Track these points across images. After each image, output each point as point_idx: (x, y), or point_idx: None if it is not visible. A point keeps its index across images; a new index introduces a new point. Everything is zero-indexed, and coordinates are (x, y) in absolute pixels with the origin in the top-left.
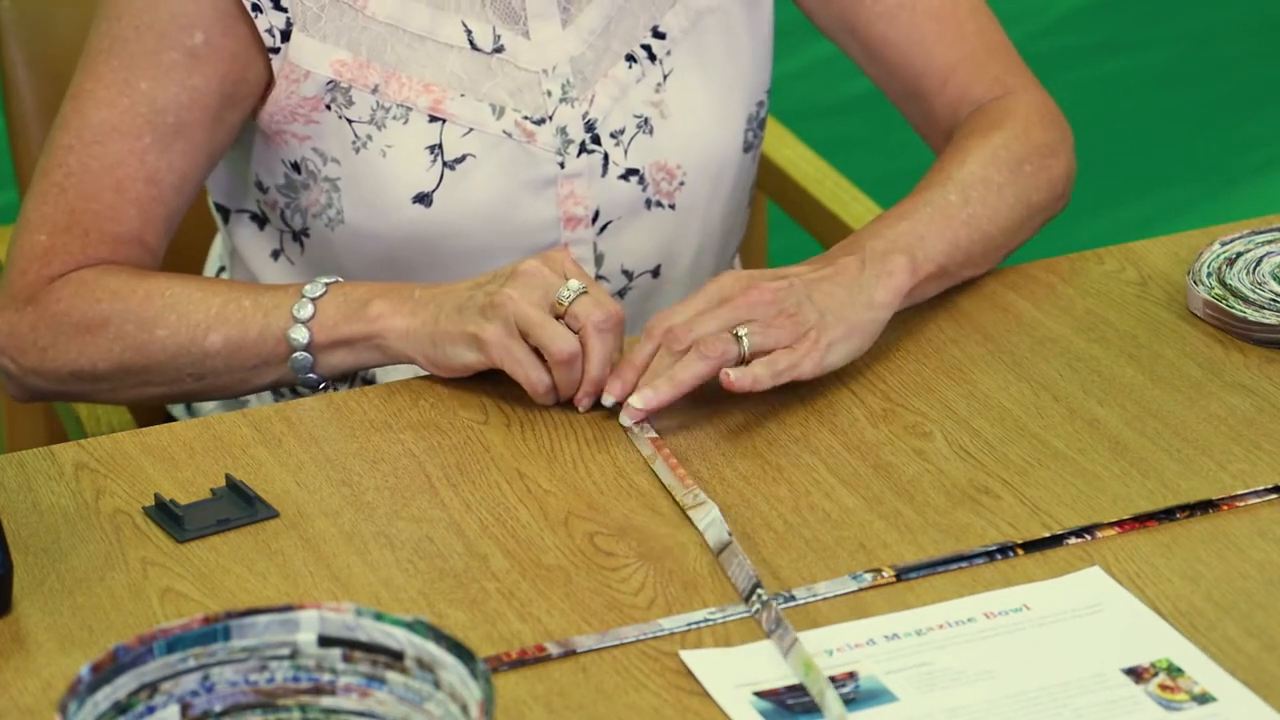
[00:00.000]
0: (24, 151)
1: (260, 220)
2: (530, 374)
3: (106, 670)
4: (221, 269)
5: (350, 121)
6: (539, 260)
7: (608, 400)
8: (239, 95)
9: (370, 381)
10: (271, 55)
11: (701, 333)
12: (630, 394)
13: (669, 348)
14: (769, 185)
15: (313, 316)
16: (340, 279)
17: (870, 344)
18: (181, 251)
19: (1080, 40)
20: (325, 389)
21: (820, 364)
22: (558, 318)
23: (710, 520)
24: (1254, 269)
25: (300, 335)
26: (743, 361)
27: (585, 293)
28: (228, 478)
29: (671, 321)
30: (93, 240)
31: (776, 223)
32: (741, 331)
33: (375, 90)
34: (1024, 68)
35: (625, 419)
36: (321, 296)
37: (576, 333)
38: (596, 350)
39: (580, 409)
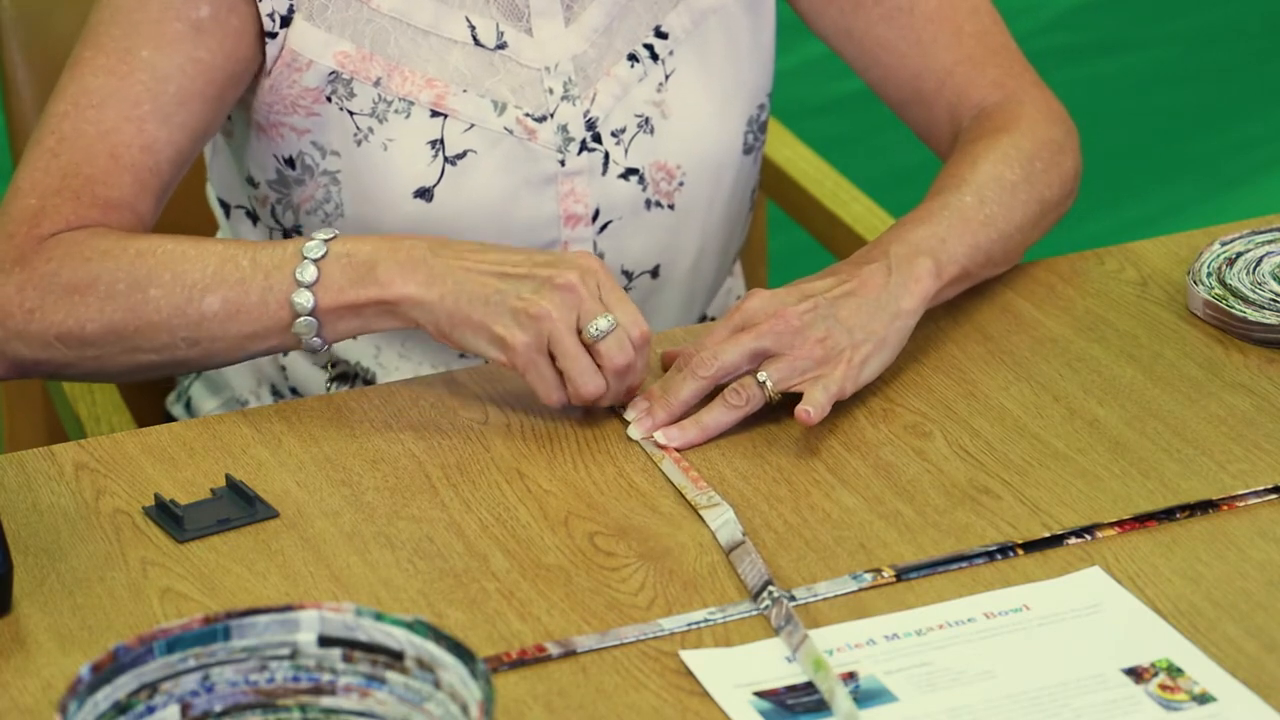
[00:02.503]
0: (24, 151)
1: (254, 218)
2: (552, 393)
3: (106, 670)
4: None
5: (352, 114)
6: (578, 275)
7: (635, 433)
8: (240, 75)
9: (370, 381)
10: (267, 40)
11: (724, 360)
12: (657, 427)
13: (693, 372)
14: (769, 185)
15: (316, 280)
16: (337, 232)
17: (899, 351)
18: None
19: (1078, 39)
20: (327, 354)
21: (857, 382)
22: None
23: (724, 520)
24: (1254, 269)
25: (305, 300)
26: (769, 402)
27: (615, 330)
28: (228, 478)
29: (701, 355)
30: (84, 202)
31: (776, 222)
32: (762, 376)
33: (378, 83)
34: (1027, 68)
35: (635, 432)
36: (323, 258)
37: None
38: (614, 389)
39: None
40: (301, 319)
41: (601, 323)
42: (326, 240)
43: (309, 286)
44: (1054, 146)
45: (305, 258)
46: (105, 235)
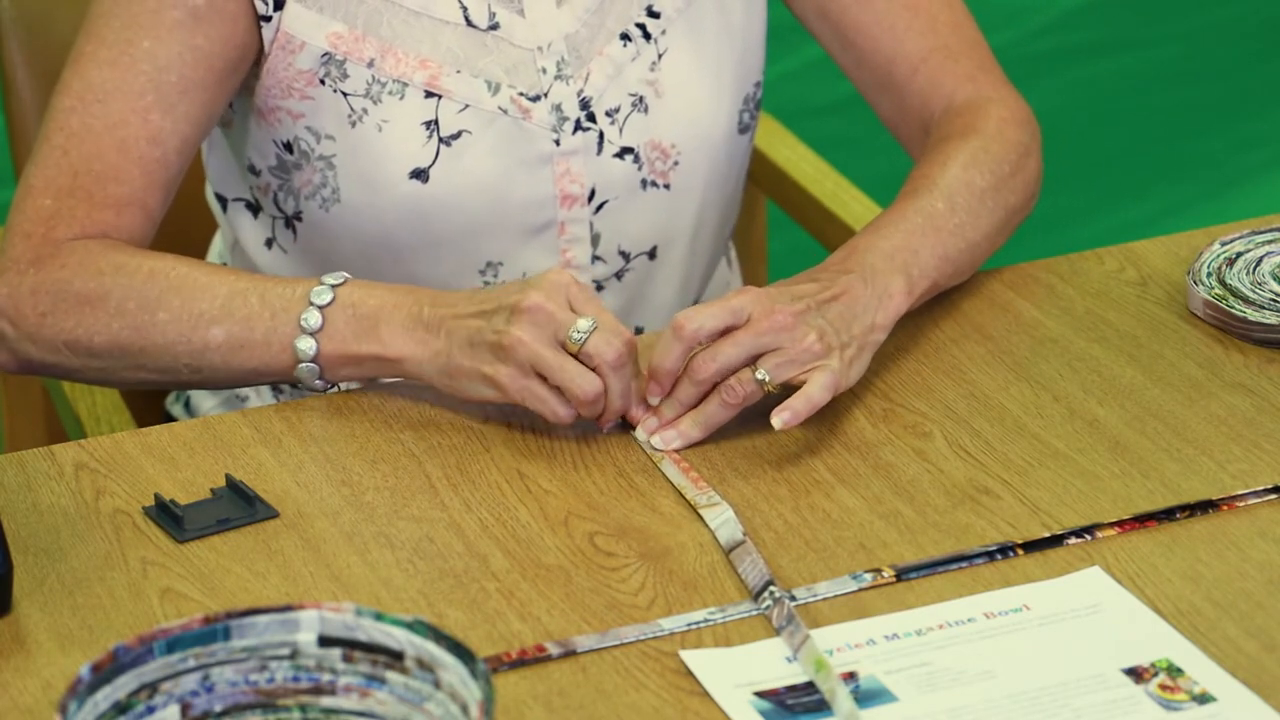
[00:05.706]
0: (24, 151)
1: (254, 208)
2: (557, 410)
3: (106, 670)
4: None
5: (346, 95)
6: (542, 295)
7: (639, 432)
8: (239, 61)
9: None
10: (263, 23)
11: (723, 362)
12: (664, 423)
13: (691, 376)
14: (769, 185)
15: (320, 328)
16: (347, 276)
17: (868, 363)
18: (183, 247)
19: (1081, 39)
20: (330, 389)
21: (848, 379)
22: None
23: (724, 520)
24: (1254, 269)
25: (307, 347)
26: (768, 394)
27: (596, 329)
28: (228, 478)
29: (699, 357)
30: (97, 203)
31: (776, 222)
32: (760, 375)
33: (371, 64)
34: (996, 67)
35: (639, 431)
36: (329, 305)
37: (593, 369)
38: (615, 386)
39: (604, 430)
40: (304, 364)
41: (582, 324)
42: (335, 286)
43: (312, 334)
44: (1021, 150)
45: (312, 303)
46: (122, 250)
